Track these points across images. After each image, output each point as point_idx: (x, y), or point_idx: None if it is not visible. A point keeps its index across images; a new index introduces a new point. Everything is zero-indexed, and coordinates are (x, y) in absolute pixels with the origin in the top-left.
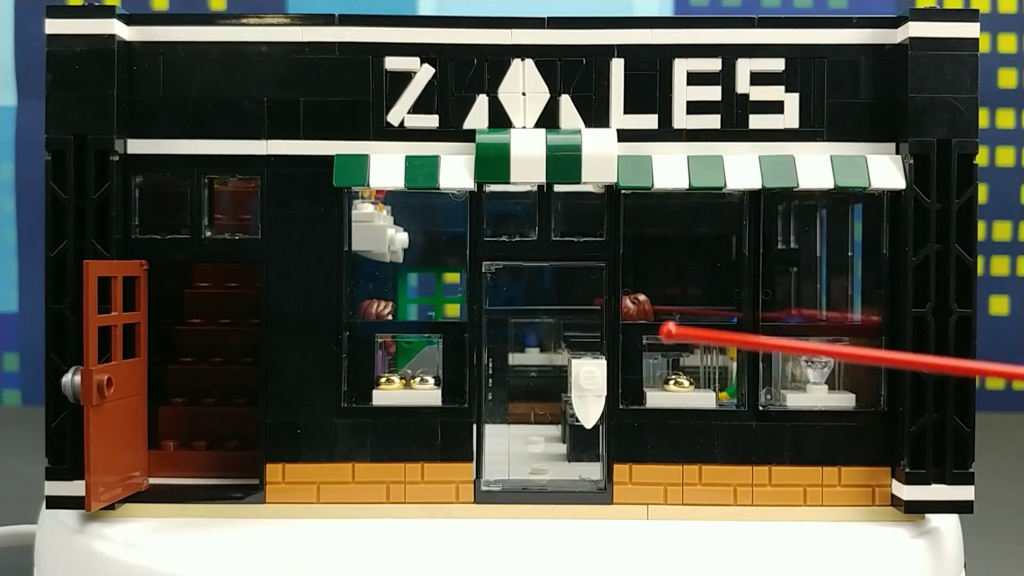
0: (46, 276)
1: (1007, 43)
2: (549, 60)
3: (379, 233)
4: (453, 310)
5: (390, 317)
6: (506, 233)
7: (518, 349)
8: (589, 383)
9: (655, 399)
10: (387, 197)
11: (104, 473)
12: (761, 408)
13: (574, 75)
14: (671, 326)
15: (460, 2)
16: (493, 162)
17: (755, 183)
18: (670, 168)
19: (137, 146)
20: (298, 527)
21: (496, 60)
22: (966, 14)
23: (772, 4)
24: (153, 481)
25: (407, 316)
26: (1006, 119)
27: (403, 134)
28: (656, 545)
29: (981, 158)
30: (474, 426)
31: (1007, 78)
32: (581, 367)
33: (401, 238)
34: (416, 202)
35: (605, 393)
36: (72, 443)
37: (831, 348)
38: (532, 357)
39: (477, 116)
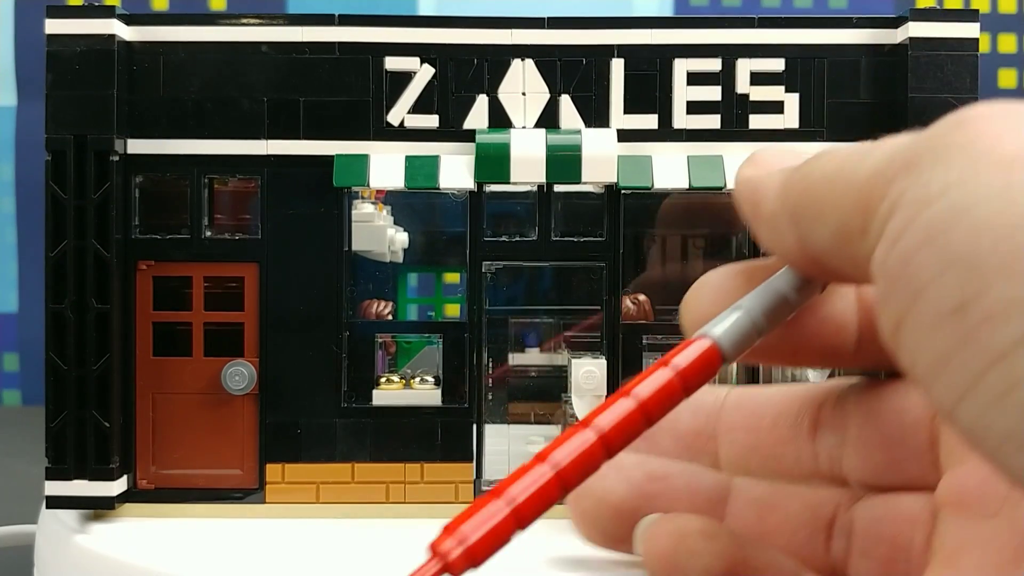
0: (46, 276)
1: (1007, 43)
2: (549, 60)
3: (379, 233)
4: (453, 310)
5: (390, 317)
6: (506, 233)
7: (518, 349)
8: (589, 383)
9: None
10: (387, 197)
11: None
12: None
13: (574, 75)
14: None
15: (460, 2)
16: (493, 162)
17: None
18: (670, 168)
19: (137, 146)
20: (298, 527)
21: (496, 60)
22: (966, 14)
23: (772, 4)
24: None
25: (407, 316)
26: None
27: (403, 134)
28: None
29: None
30: (474, 426)
31: (1007, 78)
32: (581, 367)
33: (401, 238)
34: (416, 202)
35: (605, 393)
36: (73, 443)
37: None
38: (532, 357)
39: (477, 116)
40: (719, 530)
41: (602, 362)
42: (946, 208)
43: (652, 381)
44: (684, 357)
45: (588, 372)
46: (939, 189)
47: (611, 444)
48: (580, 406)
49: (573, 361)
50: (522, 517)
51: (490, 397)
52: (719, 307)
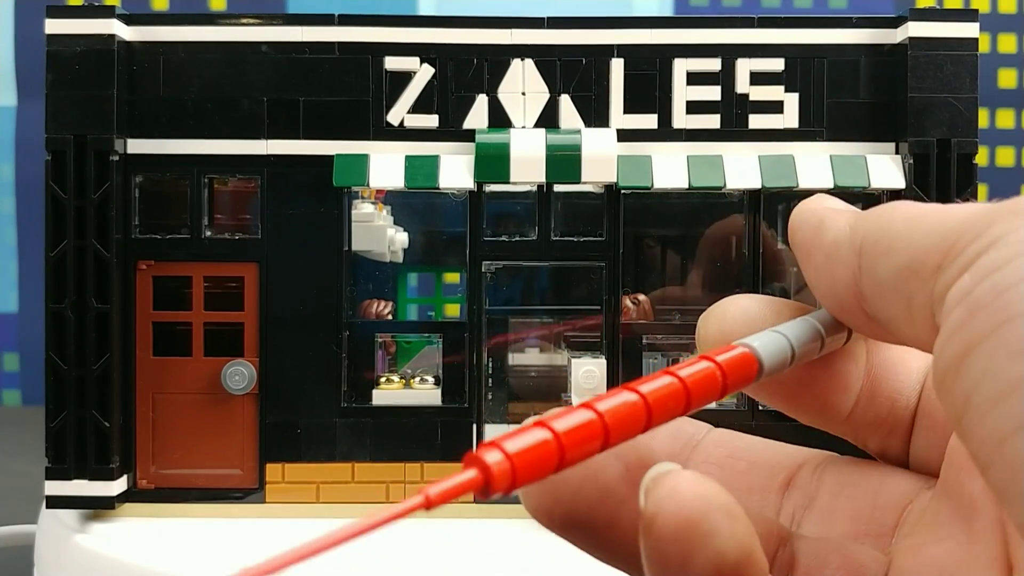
0: (46, 276)
1: (1007, 43)
2: (549, 60)
3: (379, 233)
4: (453, 310)
5: (390, 317)
6: (506, 233)
7: (518, 349)
8: (589, 383)
9: None
10: (387, 197)
11: None
12: (761, 408)
13: (574, 75)
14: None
15: (460, 2)
16: (493, 162)
17: (755, 183)
18: (670, 168)
19: (137, 146)
20: (298, 527)
21: (496, 60)
22: (966, 14)
23: (772, 4)
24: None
25: (407, 316)
26: (1006, 119)
27: (403, 134)
28: None
29: (981, 158)
30: (474, 426)
31: (1007, 78)
32: (581, 367)
33: (401, 238)
34: (416, 202)
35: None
36: (73, 443)
37: None
38: (532, 357)
39: (477, 116)
40: (741, 512)
41: (602, 362)
42: None
43: (695, 367)
44: (726, 356)
45: (588, 372)
46: None
47: (653, 413)
48: None
49: (573, 361)
50: (565, 453)
51: (490, 397)
52: (743, 328)
